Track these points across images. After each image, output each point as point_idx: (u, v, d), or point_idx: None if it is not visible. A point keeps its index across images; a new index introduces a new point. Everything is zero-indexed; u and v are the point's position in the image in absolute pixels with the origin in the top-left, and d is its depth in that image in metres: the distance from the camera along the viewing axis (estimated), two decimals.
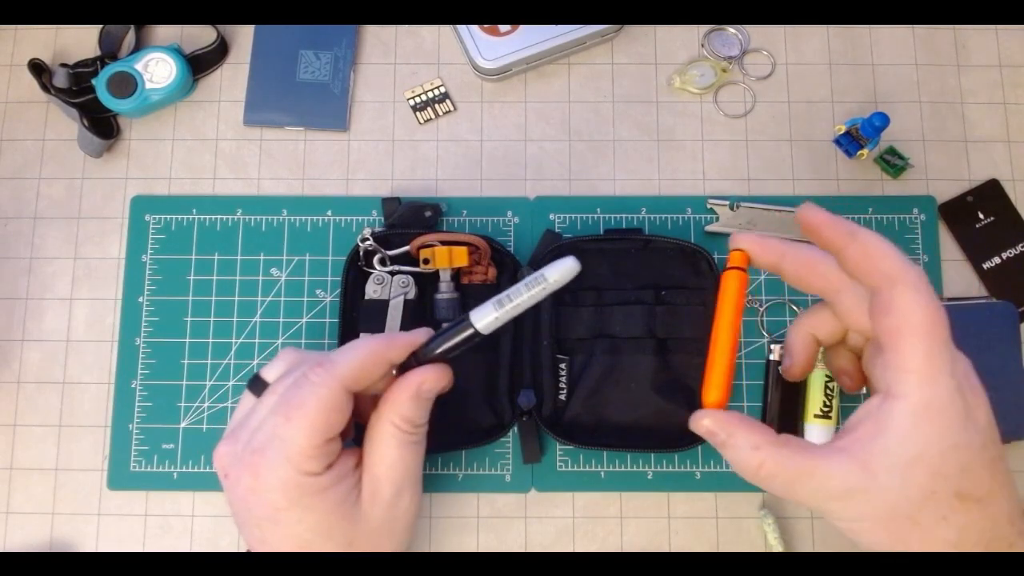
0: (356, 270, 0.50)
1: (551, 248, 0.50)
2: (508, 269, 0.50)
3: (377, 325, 0.49)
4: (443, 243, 0.49)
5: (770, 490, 0.34)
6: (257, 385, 0.40)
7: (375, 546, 0.40)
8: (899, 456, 0.32)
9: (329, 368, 0.38)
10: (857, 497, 0.32)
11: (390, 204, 0.52)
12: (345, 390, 0.38)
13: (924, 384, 0.32)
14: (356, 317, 0.49)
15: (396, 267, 0.50)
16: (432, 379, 0.40)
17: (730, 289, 0.36)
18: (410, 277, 0.49)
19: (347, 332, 0.49)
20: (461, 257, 0.49)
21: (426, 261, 0.49)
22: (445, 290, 0.49)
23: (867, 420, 0.33)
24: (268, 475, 0.37)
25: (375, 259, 0.50)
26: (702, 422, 0.35)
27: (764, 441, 0.33)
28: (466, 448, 0.50)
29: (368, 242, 0.49)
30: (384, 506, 0.40)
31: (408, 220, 0.51)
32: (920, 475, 0.32)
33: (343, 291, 0.50)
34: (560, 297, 0.50)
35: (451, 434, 0.49)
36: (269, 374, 0.40)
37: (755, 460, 0.34)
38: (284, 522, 0.37)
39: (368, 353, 0.39)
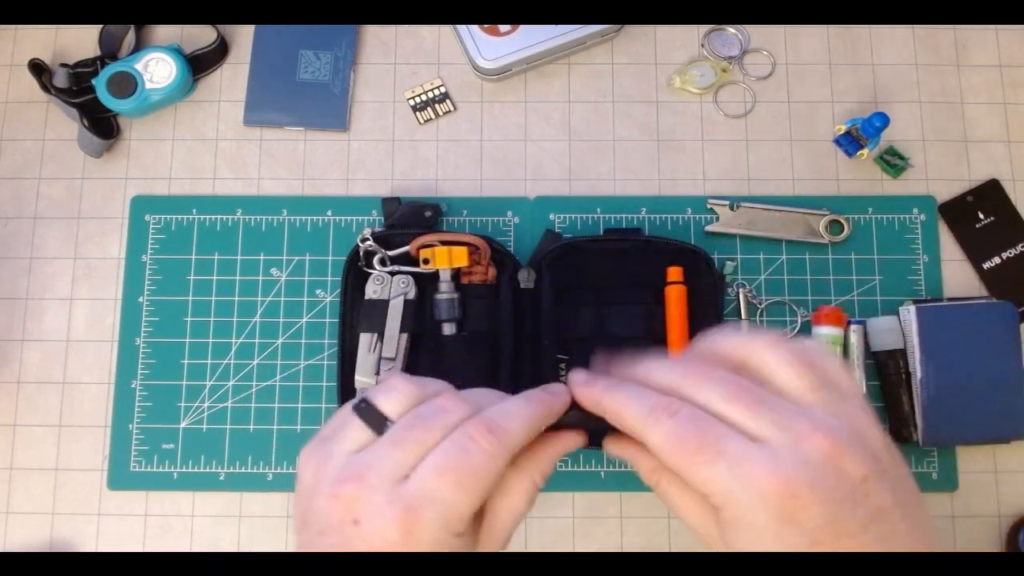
0: (356, 270, 0.50)
1: (551, 248, 0.50)
2: (508, 269, 0.50)
3: (377, 325, 0.49)
4: (443, 243, 0.49)
5: (668, 507, 0.38)
6: (373, 416, 0.37)
7: None
8: (732, 547, 0.34)
9: (502, 438, 0.35)
10: (719, 544, 0.35)
11: (390, 204, 0.52)
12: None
13: (720, 502, 0.33)
14: (356, 317, 0.49)
15: (396, 267, 0.50)
16: (575, 444, 0.40)
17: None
18: (410, 277, 0.49)
19: (347, 332, 0.49)
20: (461, 257, 0.49)
21: (426, 261, 0.49)
22: (445, 290, 0.49)
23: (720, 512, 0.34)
24: (421, 535, 0.34)
25: (375, 259, 0.50)
26: (608, 448, 0.40)
27: (660, 465, 0.36)
28: None
29: (368, 242, 0.49)
30: (492, 546, 0.39)
31: (408, 220, 0.51)
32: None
33: (343, 291, 0.50)
34: (560, 297, 0.50)
35: None
36: (388, 407, 0.37)
37: (652, 479, 0.38)
38: (365, 539, 0.35)
39: (536, 421, 0.37)
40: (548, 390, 0.39)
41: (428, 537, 0.35)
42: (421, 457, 0.36)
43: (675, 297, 0.49)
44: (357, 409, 0.38)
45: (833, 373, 0.35)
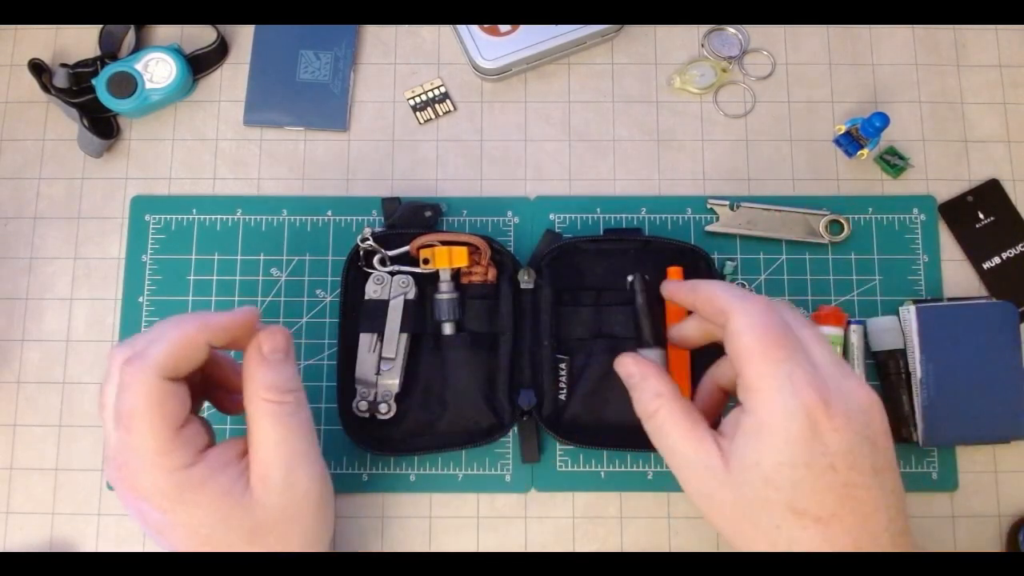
0: (356, 270, 0.50)
1: (551, 248, 0.50)
2: (508, 269, 0.50)
3: (377, 325, 0.49)
4: (443, 243, 0.49)
5: (657, 445, 0.40)
6: None
7: (282, 535, 0.38)
8: (742, 460, 0.36)
9: (140, 365, 0.36)
10: (712, 480, 0.37)
11: (390, 204, 0.52)
12: (166, 380, 0.36)
13: (762, 403, 0.36)
14: (356, 317, 0.49)
15: (396, 267, 0.50)
16: (268, 340, 0.39)
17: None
18: (410, 277, 0.49)
19: (347, 332, 0.49)
20: (461, 257, 0.49)
21: (426, 261, 0.49)
22: (445, 290, 0.49)
23: (730, 422, 0.38)
24: (142, 486, 0.36)
25: (375, 259, 0.50)
26: (625, 360, 0.42)
27: (668, 392, 0.40)
28: (466, 448, 0.50)
29: (368, 242, 0.49)
30: (277, 491, 0.37)
31: (408, 220, 0.51)
32: (755, 481, 0.35)
33: (343, 291, 0.50)
34: (560, 297, 0.50)
35: (451, 434, 0.49)
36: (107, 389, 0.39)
37: (653, 405, 0.40)
38: (177, 523, 0.37)
39: (180, 340, 0.37)
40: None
41: (148, 485, 0.36)
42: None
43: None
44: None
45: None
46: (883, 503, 0.36)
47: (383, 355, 0.48)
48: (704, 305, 0.40)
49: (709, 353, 0.44)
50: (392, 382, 0.48)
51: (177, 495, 0.36)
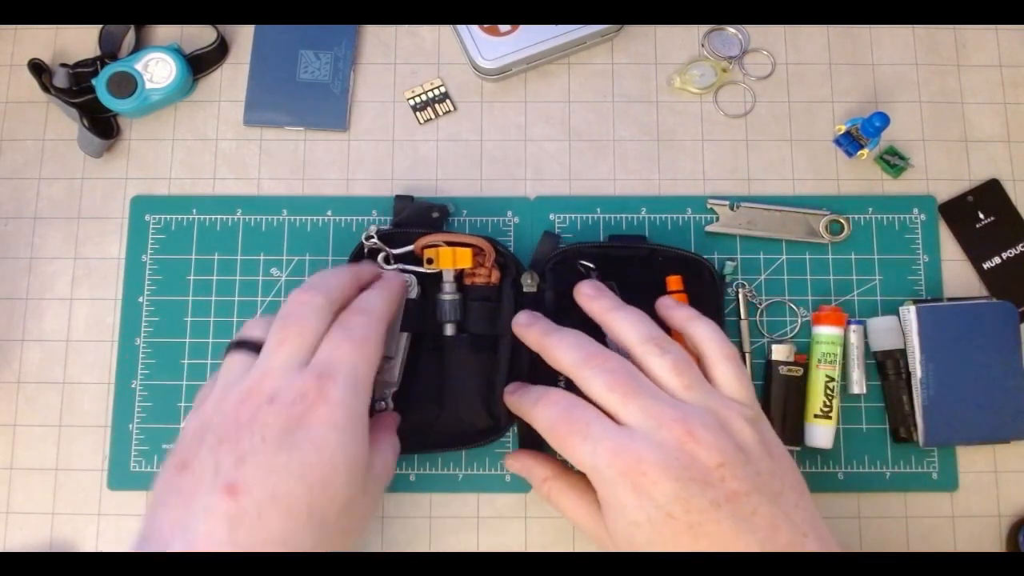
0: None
1: (556, 252, 0.50)
2: (511, 272, 0.50)
3: None
4: (448, 244, 0.49)
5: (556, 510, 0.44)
6: (246, 344, 0.40)
7: (358, 519, 0.40)
8: (612, 526, 0.39)
9: (372, 315, 0.41)
10: (603, 539, 0.41)
11: (402, 201, 0.52)
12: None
13: (592, 480, 0.39)
14: None
15: (400, 265, 0.50)
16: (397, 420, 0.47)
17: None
18: (412, 276, 0.49)
19: None
20: (465, 259, 0.49)
21: (429, 261, 0.49)
22: (448, 291, 0.49)
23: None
24: (338, 393, 0.37)
25: (379, 257, 0.50)
26: (508, 463, 0.48)
27: (551, 473, 0.44)
28: (458, 449, 0.50)
29: (373, 240, 0.49)
30: (378, 489, 0.41)
31: (415, 220, 0.51)
32: (625, 542, 0.38)
33: None
34: (562, 301, 0.50)
35: (447, 435, 0.49)
36: (254, 333, 0.41)
37: (544, 489, 0.44)
38: (320, 442, 0.36)
39: (390, 303, 0.44)
40: (387, 279, 0.46)
41: (342, 395, 0.37)
42: (311, 344, 0.39)
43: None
44: (229, 349, 0.41)
45: (715, 379, 0.41)
46: (745, 527, 0.36)
47: (385, 354, 0.48)
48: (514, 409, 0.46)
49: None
50: (391, 380, 0.48)
51: (352, 427, 0.37)
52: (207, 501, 0.34)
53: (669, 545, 0.36)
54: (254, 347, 0.40)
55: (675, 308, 0.45)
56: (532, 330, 0.45)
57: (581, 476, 0.42)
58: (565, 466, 0.45)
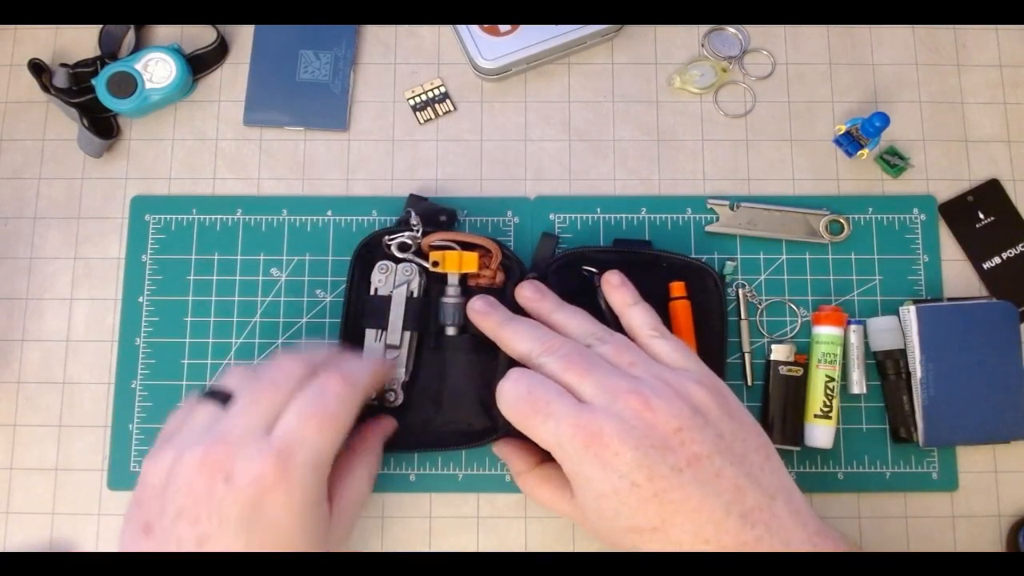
0: (364, 261, 0.50)
1: (559, 256, 0.50)
2: (515, 275, 0.50)
3: (381, 322, 0.48)
4: (456, 243, 0.49)
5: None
6: (218, 394, 0.40)
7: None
8: (583, 506, 0.39)
9: (350, 382, 0.40)
10: (580, 520, 0.41)
11: (415, 201, 0.52)
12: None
13: (558, 458, 0.40)
14: (361, 309, 0.49)
15: (408, 256, 0.49)
16: (392, 427, 0.47)
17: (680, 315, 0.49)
18: (414, 266, 0.49)
19: (350, 324, 0.49)
20: (471, 262, 0.49)
21: (435, 264, 0.49)
22: (452, 294, 0.49)
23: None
24: (295, 476, 0.37)
25: (394, 245, 0.49)
26: (495, 449, 0.48)
27: (525, 469, 0.45)
28: (456, 449, 0.50)
29: (416, 226, 0.49)
30: (343, 534, 0.42)
31: (422, 220, 0.51)
32: (598, 517, 0.39)
33: (349, 282, 0.49)
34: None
35: (444, 434, 0.49)
36: (230, 383, 0.41)
37: (519, 481, 0.46)
38: (278, 527, 0.37)
39: (375, 376, 0.44)
40: (379, 358, 0.47)
41: (300, 478, 0.38)
42: (278, 412, 0.39)
43: (681, 311, 0.49)
44: (201, 396, 0.41)
45: (658, 354, 0.42)
46: (710, 490, 0.37)
47: (388, 343, 0.48)
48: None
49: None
50: (399, 370, 0.48)
51: (314, 502, 0.39)
52: None
53: (637, 514, 0.37)
54: (225, 399, 0.40)
55: (616, 290, 0.46)
56: (488, 319, 0.45)
57: (555, 465, 0.42)
58: (540, 457, 0.46)
